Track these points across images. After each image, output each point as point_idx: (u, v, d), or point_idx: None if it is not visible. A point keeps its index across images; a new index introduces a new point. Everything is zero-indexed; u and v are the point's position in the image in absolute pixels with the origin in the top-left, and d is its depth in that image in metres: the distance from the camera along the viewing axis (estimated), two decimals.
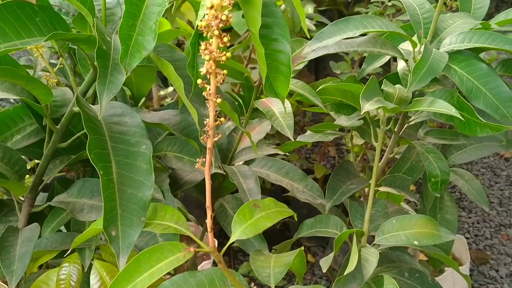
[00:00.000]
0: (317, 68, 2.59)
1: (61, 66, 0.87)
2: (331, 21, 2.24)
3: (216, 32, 0.47)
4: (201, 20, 0.48)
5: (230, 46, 1.58)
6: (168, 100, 1.97)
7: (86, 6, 0.65)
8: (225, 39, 0.48)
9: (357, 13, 1.75)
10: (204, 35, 0.47)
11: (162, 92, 1.89)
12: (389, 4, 1.57)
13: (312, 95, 0.86)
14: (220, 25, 0.47)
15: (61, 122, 0.72)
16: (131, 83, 0.91)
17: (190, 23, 1.48)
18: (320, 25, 1.56)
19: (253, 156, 0.95)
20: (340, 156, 2.18)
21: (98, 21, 0.61)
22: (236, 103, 0.98)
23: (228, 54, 0.49)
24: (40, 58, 0.83)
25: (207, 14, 0.47)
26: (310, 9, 1.55)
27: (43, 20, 0.60)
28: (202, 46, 0.48)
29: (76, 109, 0.68)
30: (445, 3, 1.46)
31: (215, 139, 0.54)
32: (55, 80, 0.85)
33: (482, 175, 2.16)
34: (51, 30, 0.61)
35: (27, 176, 0.95)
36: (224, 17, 0.46)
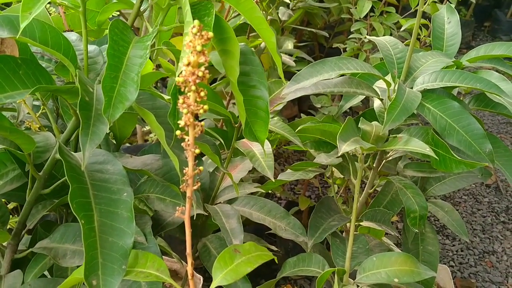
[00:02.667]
0: (300, 99, 2.63)
1: (44, 111, 0.88)
2: (312, 54, 2.27)
3: (193, 88, 0.49)
4: (178, 76, 0.49)
5: (213, 82, 1.61)
6: (152, 135, 1.98)
7: (68, 56, 0.67)
8: (202, 94, 0.50)
9: (336, 48, 1.79)
10: (182, 90, 0.49)
11: (146, 128, 1.90)
12: (366, 40, 1.61)
13: (291, 135, 0.88)
14: (197, 81, 0.49)
15: (44, 169, 0.73)
16: (114, 126, 0.93)
17: (172, 61, 1.51)
18: (300, 60, 1.59)
19: (236, 195, 0.96)
20: (324, 186, 2.20)
21: (80, 72, 0.63)
22: (218, 143, 0.99)
23: (206, 107, 0.51)
24: (23, 104, 0.85)
25: (184, 71, 0.49)
26: (290, 45, 1.58)
27: (26, 72, 0.62)
28: (180, 100, 0.50)
29: (59, 156, 0.69)
30: (418, 39, 1.51)
31: (195, 187, 0.55)
32: (38, 125, 0.86)
33: (464, 202, 2.19)
34: (34, 82, 0.62)
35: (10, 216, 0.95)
36: (200, 73, 0.48)
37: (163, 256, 1.08)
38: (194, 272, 0.97)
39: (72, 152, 0.69)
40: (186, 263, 1.18)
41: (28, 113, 0.87)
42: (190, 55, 0.49)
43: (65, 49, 0.66)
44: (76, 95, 0.60)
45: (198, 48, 0.48)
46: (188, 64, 0.48)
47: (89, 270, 0.57)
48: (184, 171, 0.54)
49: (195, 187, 0.55)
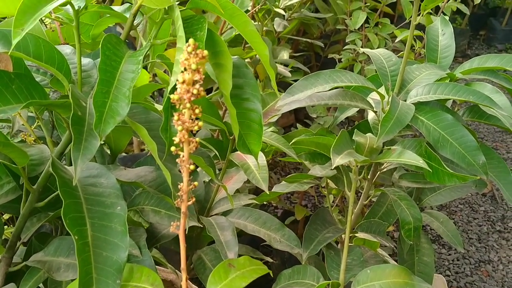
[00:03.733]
0: (297, 108, 2.64)
1: (39, 124, 0.88)
2: (308, 64, 2.27)
3: (188, 105, 0.49)
4: (174, 93, 0.50)
5: (208, 90, 1.61)
6: None
7: (62, 70, 0.67)
8: (197, 111, 0.50)
9: (332, 58, 1.80)
10: (177, 107, 0.49)
11: None
12: (361, 51, 1.62)
13: (286, 147, 0.88)
14: (192, 98, 0.49)
15: (38, 182, 0.73)
16: (109, 138, 0.93)
17: (167, 72, 1.51)
18: (296, 71, 1.60)
19: (231, 207, 0.96)
20: (320, 195, 2.20)
21: (73, 87, 0.63)
22: (213, 154, 0.99)
23: (201, 123, 0.51)
24: (18, 117, 0.85)
25: (179, 88, 0.49)
26: (285, 55, 1.59)
27: (20, 87, 0.62)
28: (175, 117, 0.50)
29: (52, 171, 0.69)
30: (413, 50, 1.52)
31: (189, 203, 0.55)
32: (33, 138, 0.86)
33: (460, 211, 2.19)
34: (27, 97, 0.62)
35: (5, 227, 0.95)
36: (195, 91, 0.48)
37: (158, 267, 1.08)
38: (190, 283, 0.96)
39: (66, 166, 0.69)
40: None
41: (23, 124, 0.88)
42: (185, 73, 0.49)
43: (59, 63, 0.66)
44: (70, 109, 0.60)
45: (193, 66, 0.48)
46: (183, 82, 0.49)
47: (83, 285, 0.57)
48: (179, 186, 0.54)
49: (189, 202, 0.55)
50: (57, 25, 0.91)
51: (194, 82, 0.49)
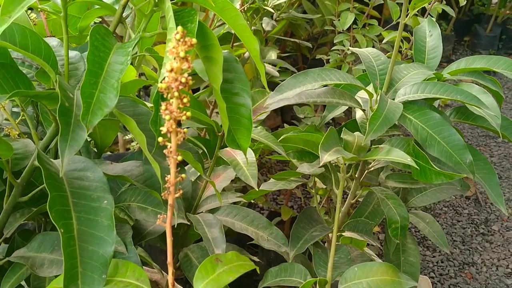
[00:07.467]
0: (284, 109, 2.64)
1: (23, 117, 0.87)
2: (296, 65, 2.29)
3: (176, 94, 0.48)
4: (161, 82, 0.49)
5: (196, 90, 1.60)
6: (134, 144, 1.96)
7: (49, 62, 0.66)
8: (185, 100, 0.49)
9: (319, 59, 1.81)
10: (165, 96, 0.48)
11: (127, 136, 1.89)
12: (349, 52, 1.63)
13: (274, 144, 0.88)
14: (180, 87, 0.48)
15: (22, 176, 0.71)
16: (95, 133, 0.91)
17: (155, 69, 1.50)
18: (283, 71, 1.60)
19: (218, 204, 0.96)
20: (307, 197, 2.20)
21: (61, 78, 0.62)
22: (201, 151, 0.98)
23: (188, 113, 0.50)
24: (2, 110, 0.83)
25: (167, 77, 0.48)
26: (273, 55, 1.59)
27: (5, 77, 0.61)
28: (163, 107, 0.49)
29: (37, 163, 0.68)
30: (400, 52, 1.53)
31: (176, 195, 0.54)
32: (17, 132, 0.84)
33: (445, 213, 2.21)
34: (13, 87, 0.61)
35: None
36: (183, 80, 0.48)
37: (143, 267, 1.06)
38: (175, 282, 0.95)
39: (52, 159, 0.68)
40: (167, 273, 1.16)
41: (7, 119, 0.86)
42: (173, 61, 0.48)
43: (46, 54, 0.65)
44: (56, 101, 0.59)
45: (181, 54, 0.47)
46: (171, 70, 0.48)
47: (68, 279, 0.56)
48: (166, 178, 0.53)
49: (177, 195, 0.54)
50: (43, 17, 0.89)
51: (182, 71, 0.48)
